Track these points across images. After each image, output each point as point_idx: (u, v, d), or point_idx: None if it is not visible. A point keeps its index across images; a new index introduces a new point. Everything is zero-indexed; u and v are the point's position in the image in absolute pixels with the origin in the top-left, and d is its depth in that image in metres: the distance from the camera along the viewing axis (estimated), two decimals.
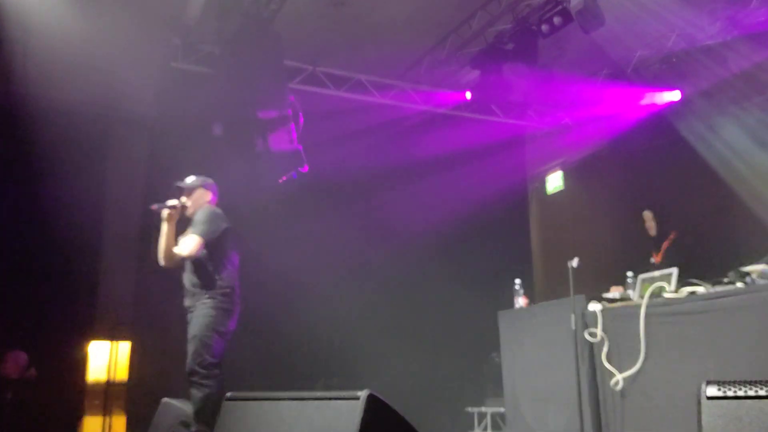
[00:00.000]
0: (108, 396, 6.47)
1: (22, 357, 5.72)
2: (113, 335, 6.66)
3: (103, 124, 6.82)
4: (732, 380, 2.14)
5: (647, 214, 6.25)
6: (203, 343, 3.86)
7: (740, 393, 2.08)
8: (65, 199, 6.20)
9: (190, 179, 4.22)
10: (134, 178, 6.73)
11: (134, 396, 6.45)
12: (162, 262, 4.06)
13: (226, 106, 6.39)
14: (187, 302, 4.05)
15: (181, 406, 4.03)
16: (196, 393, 3.81)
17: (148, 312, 6.58)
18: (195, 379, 3.83)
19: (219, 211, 4.14)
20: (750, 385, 2.09)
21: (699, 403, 2.14)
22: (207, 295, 3.95)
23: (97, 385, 6.59)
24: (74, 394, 6.30)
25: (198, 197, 4.17)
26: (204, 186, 4.23)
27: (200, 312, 3.92)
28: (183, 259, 3.98)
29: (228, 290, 4.02)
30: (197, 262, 4.00)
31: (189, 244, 3.91)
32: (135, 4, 6.04)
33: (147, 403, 5.06)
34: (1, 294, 5.88)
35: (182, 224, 4.18)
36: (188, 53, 6.73)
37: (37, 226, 6.01)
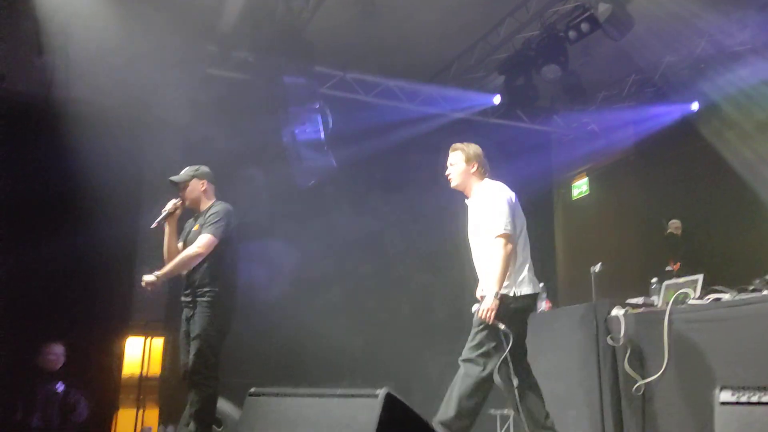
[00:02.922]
0: (142, 390, 6.67)
1: (60, 349, 5.89)
2: (147, 331, 6.87)
3: (139, 128, 7.02)
4: (746, 386, 2.16)
5: (674, 223, 6.26)
6: (207, 342, 3.77)
7: (754, 399, 2.10)
8: (103, 201, 6.39)
9: (183, 171, 4.15)
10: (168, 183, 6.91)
11: (166, 390, 6.65)
12: (168, 260, 4.00)
13: (257, 112, 6.56)
14: (186, 298, 3.92)
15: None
16: (198, 393, 3.73)
17: (180, 310, 6.77)
18: (197, 379, 3.74)
19: (231, 207, 4.06)
20: (765, 391, 2.11)
21: (712, 408, 2.17)
22: (209, 292, 3.84)
23: (131, 379, 6.79)
24: (110, 388, 6.50)
25: (193, 188, 4.08)
26: (196, 176, 4.10)
27: (202, 310, 3.80)
28: (194, 258, 3.85)
29: (230, 287, 3.93)
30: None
31: (203, 242, 3.83)
32: (173, 12, 6.22)
33: (179, 396, 5.23)
34: (44, 292, 6.11)
35: (185, 216, 4.20)
36: (223, 60, 6.91)
37: (77, 227, 6.21)
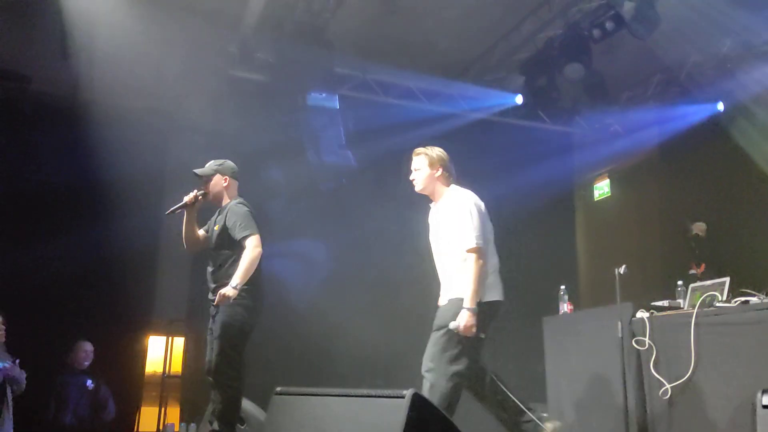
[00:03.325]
0: (164, 388, 6.75)
1: (89, 346, 5.98)
2: (169, 331, 6.95)
3: (162, 129, 7.10)
4: None
5: (699, 226, 6.17)
6: (230, 342, 3.76)
7: None
8: (126, 202, 6.49)
9: (207, 165, 4.16)
10: (190, 183, 6.97)
11: (188, 388, 6.72)
12: (186, 247, 4.10)
13: (280, 113, 6.59)
14: (211, 296, 3.92)
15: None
16: (222, 393, 3.72)
17: (201, 309, 6.82)
18: (222, 379, 3.74)
19: (247, 207, 4.04)
20: None
21: (754, 411, 2.13)
22: None
23: (153, 377, 6.88)
24: (133, 386, 6.58)
25: (215, 183, 4.09)
26: (219, 171, 4.11)
27: (225, 309, 3.78)
28: (256, 260, 3.84)
29: (252, 287, 3.86)
30: (221, 258, 3.92)
31: (254, 244, 3.82)
32: (195, 14, 6.29)
33: (200, 395, 5.27)
34: (68, 291, 6.21)
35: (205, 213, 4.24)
36: (245, 61, 6.96)
37: (100, 228, 6.31)
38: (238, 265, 3.82)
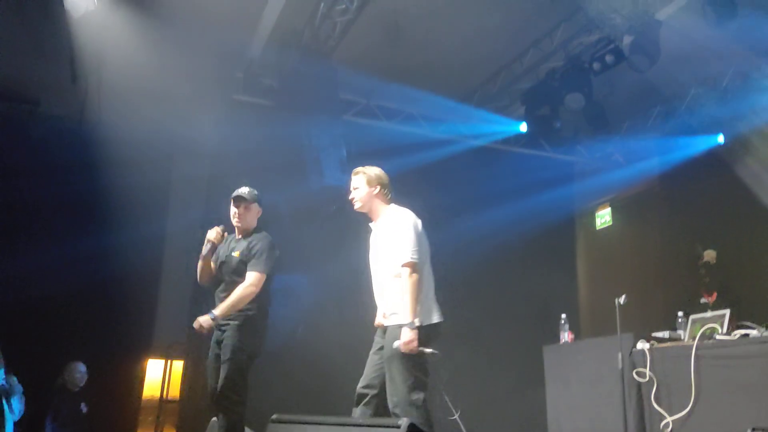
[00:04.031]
0: (161, 412, 6.69)
1: (82, 367, 5.94)
2: (168, 354, 6.91)
3: (167, 152, 7.16)
4: None
5: (710, 253, 6.17)
6: (238, 366, 3.77)
7: None
8: (130, 223, 6.51)
9: (247, 190, 4.14)
10: (193, 206, 7.01)
11: (186, 413, 6.66)
12: (201, 279, 4.11)
13: (283, 138, 6.64)
14: (221, 321, 3.87)
15: None
16: (226, 418, 3.72)
17: (201, 333, 6.81)
18: (226, 404, 3.73)
19: (272, 240, 4.10)
20: None
21: None
22: (241, 316, 3.84)
23: (151, 401, 6.83)
24: (130, 409, 6.53)
25: (254, 211, 4.12)
26: (258, 200, 4.15)
27: (234, 334, 3.80)
28: (248, 297, 3.86)
29: (261, 311, 3.92)
30: (234, 283, 3.91)
31: (253, 281, 3.86)
32: (201, 39, 6.38)
33: (198, 420, 5.24)
34: (68, 312, 6.20)
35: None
36: (250, 86, 7.05)
37: (102, 250, 6.32)
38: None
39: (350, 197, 3.70)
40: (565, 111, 7.23)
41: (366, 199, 3.65)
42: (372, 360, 3.56)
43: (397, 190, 7.77)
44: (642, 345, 4.30)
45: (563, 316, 5.32)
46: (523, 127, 7.96)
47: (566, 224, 9.18)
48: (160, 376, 6.86)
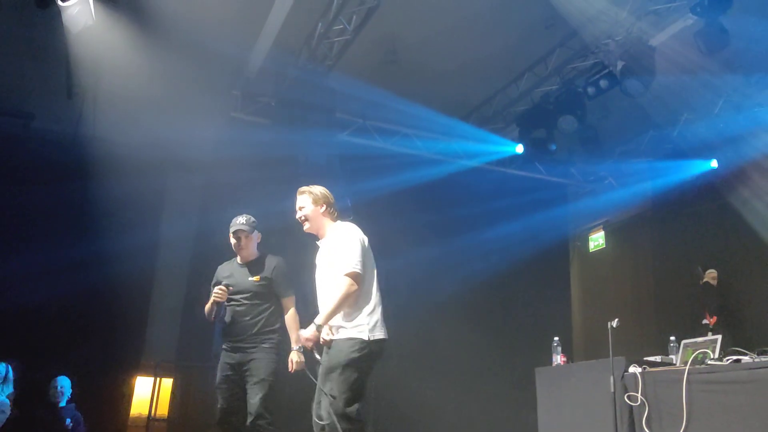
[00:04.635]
0: (149, 430, 6.59)
1: (67, 382, 5.83)
2: (158, 372, 6.82)
3: (162, 168, 7.14)
4: None
5: (711, 273, 6.19)
6: (271, 386, 3.89)
7: None
8: (122, 240, 6.47)
9: (242, 221, 4.19)
10: (187, 223, 6.99)
11: (174, 431, 6.57)
12: (210, 318, 4.15)
13: (279, 154, 6.66)
14: (242, 343, 4.00)
15: None
16: None
17: (190, 351, 6.77)
18: (262, 423, 3.83)
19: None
20: None
21: None
22: (270, 339, 4.01)
23: (138, 420, 6.72)
24: (116, 427, 6.44)
25: (255, 238, 4.23)
26: (257, 228, 4.27)
27: (266, 355, 3.95)
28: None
29: (283, 334, 4.08)
30: (260, 309, 4.06)
31: (292, 306, 4.10)
32: (200, 57, 6.42)
33: None
34: (59, 326, 6.13)
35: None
36: (247, 104, 7.08)
37: (95, 263, 6.27)
38: (276, 310, 4.07)
39: (297, 216, 3.65)
40: (559, 134, 7.31)
41: (313, 217, 3.60)
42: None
43: (391, 209, 7.81)
44: (634, 369, 4.29)
45: (555, 338, 5.31)
46: (520, 149, 8.02)
47: (560, 246, 9.21)
48: (148, 394, 6.77)
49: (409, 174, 7.49)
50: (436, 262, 7.75)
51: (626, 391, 4.22)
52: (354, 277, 3.36)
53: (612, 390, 4.24)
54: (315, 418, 3.33)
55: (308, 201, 3.63)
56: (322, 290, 3.54)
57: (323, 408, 3.28)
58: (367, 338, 3.32)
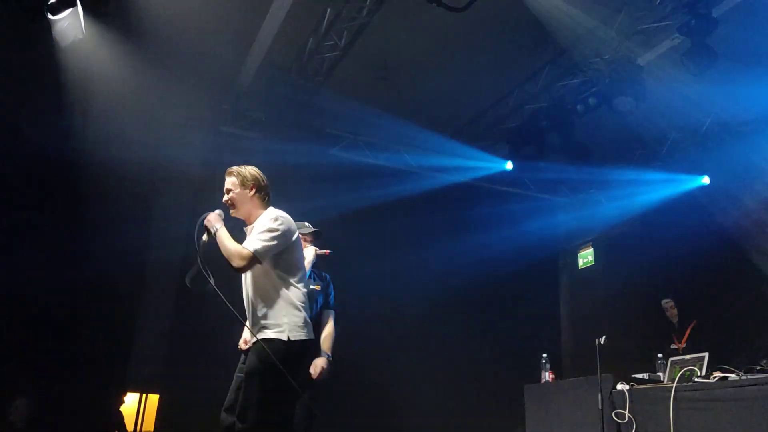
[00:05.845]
0: None
1: (22, 402, 5.65)
2: (144, 387, 6.74)
3: (152, 182, 7.12)
4: None
5: (668, 303, 6.25)
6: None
7: None
8: (110, 255, 6.39)
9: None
10: (175, 237, 6.95)
11: None
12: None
13: (269, 169, 6.65)
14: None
15: None
16: None
17: (178, 367, 6.70)
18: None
19: None
20: None
21: None
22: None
23: None
24: None
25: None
26: None
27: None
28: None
29: None
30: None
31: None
32: (190, 71, 6.44)
33: None
34: (38, 343, 6.03)
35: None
36: (237, 118, 7.08)
37: (82, 278, 6.21)
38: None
39: (224, 200, 3.28)
40: (548, 151, 7.35)
41: (241, 201, 3.23)
42: (237, 380, 3.18)
43: (383, 225, 7.77)
44: (621, 386, 4.30)
45: (544, 355, 5.32)
46: (509, 166, 8.06)
47: (549, 263, 9.23)
48: (134, 410, 6.68)
49: (399, 188, 7.51)
50: (423, 278, 7.74)
51: (614, 408, 4.23)
52: (247, 257, 3.01)
53: (600, 407, 4.25)
54: (227, 416, 3.06)
55: (236, 183, 3.25)
56: (247, 286, 3.20)
57: (239, 414, 2.97)
58: (286, 338, 3.05)
